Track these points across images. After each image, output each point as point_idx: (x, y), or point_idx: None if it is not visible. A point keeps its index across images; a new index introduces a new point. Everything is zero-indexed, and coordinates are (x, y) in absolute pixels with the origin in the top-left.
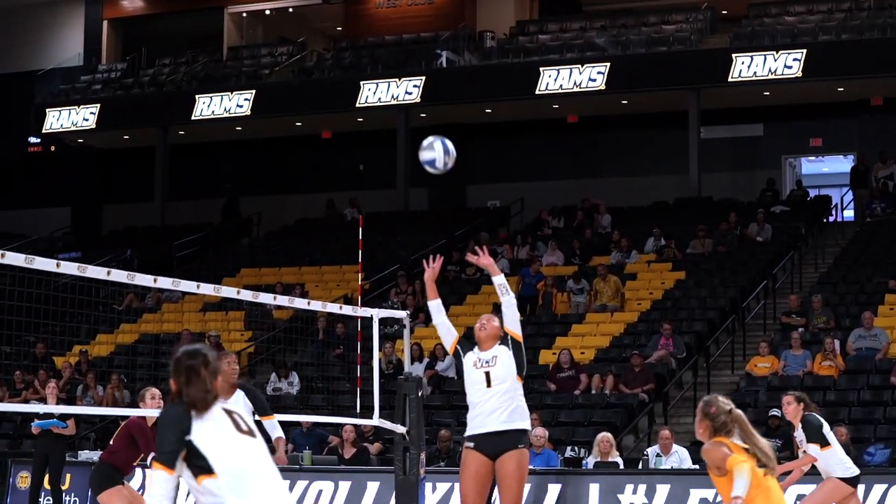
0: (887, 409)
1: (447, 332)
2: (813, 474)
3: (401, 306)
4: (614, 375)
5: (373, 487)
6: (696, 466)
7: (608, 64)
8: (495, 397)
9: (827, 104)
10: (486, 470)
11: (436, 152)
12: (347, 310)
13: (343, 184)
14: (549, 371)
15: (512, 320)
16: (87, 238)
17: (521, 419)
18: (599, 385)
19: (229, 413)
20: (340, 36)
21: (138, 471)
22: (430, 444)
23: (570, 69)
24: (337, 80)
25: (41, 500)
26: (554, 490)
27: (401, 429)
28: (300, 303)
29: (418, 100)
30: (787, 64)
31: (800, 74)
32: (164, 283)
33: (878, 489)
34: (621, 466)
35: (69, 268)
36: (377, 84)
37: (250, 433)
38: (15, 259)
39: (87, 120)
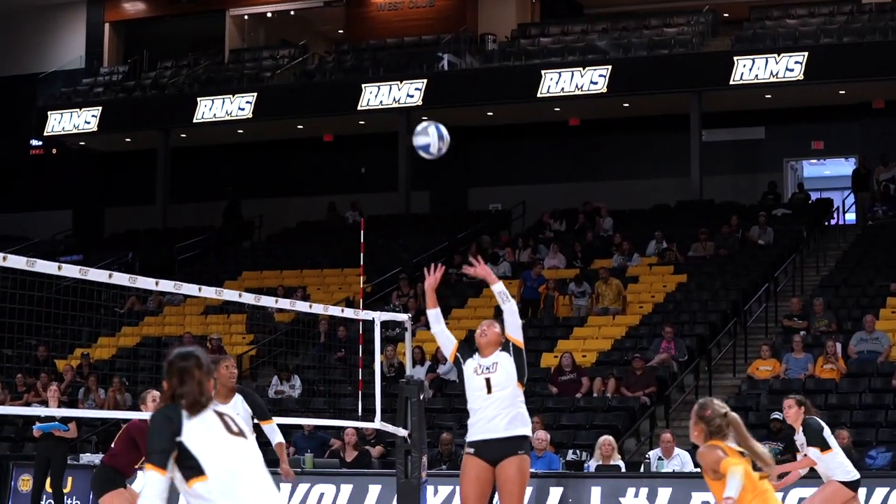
0: (889, 413)
1: (446, 341)
2: (815, 478)
3: (402, 309)
4: (616, 378)
5: (374, 491)
6: (698, 470)
7: (610, 67)
8: (496, 404)
9: (828, 107)
10: (486, 476)
11: (430, 137)
12: (349, 313)
13: (345, 187)
14: (550, 374)
15: (514, 327)
16: (88, 241)
17: (521, 426)
18: (601, 388)
19: (220, 415)
20: (342, 38)
21: (140, 473)
22: (432, 448)
23: (572, 72)
24: (338, 82)
25: (43, 503)
26: (556, 493)
27: (402, 432)
28: (302, 306)
29: (420, 103)
30: (788, 67)
31: (801, 77)
32: (166, 285)
33: (880, 492)
34: (623, 470)
35: (71, 271)
36: (379, 87)
37: (241, 434)
38: (17, 262)
39: (88, 123)
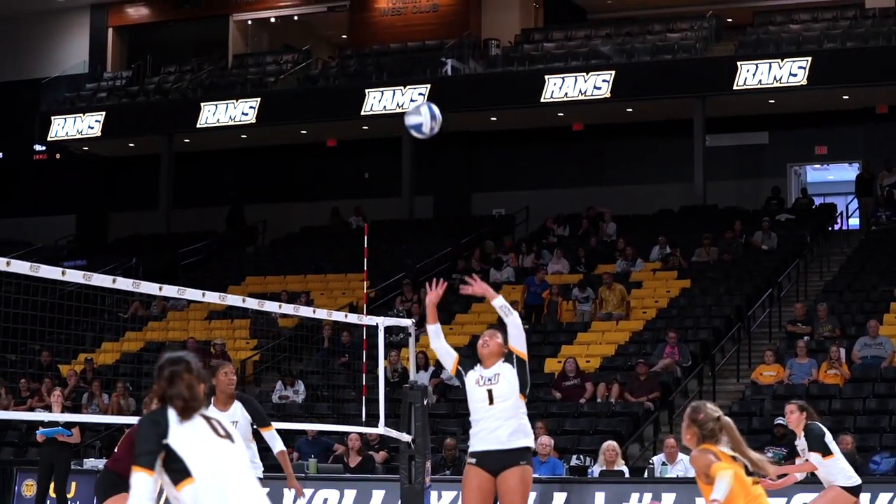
0: (893, 418)
1: (446, 355)
2: (816, 483)
3: (406, 314)
4: (620, 384)
5: (378, 496)
6: None
7: (613, 72)
8: (497, 415)
9: (832, 112)
10: (488, 486)
11: (422, 116)
12: (353, 318)
13: (348, 192)
14: (554, 379)
15: (517, 339)
16: (92, 246)
17: (524, 437)
18: (605, 393)
19: (207, 419)
20: (345, 44)
21: None
22: (436, 453)
23: (575, 77)
24: (342, 87)
25: None
26: (559, 498)
27: (406, 437)
28: (305, 311)
29: None
30: (792, 72)
31: (805, 82)
32: (170, 291)
33: (884, 497)
34: (627, 475)
35: (74, 276)
36: (382, 92)
37: (228, 437)
38: (20, 267)
39: (92, 128)
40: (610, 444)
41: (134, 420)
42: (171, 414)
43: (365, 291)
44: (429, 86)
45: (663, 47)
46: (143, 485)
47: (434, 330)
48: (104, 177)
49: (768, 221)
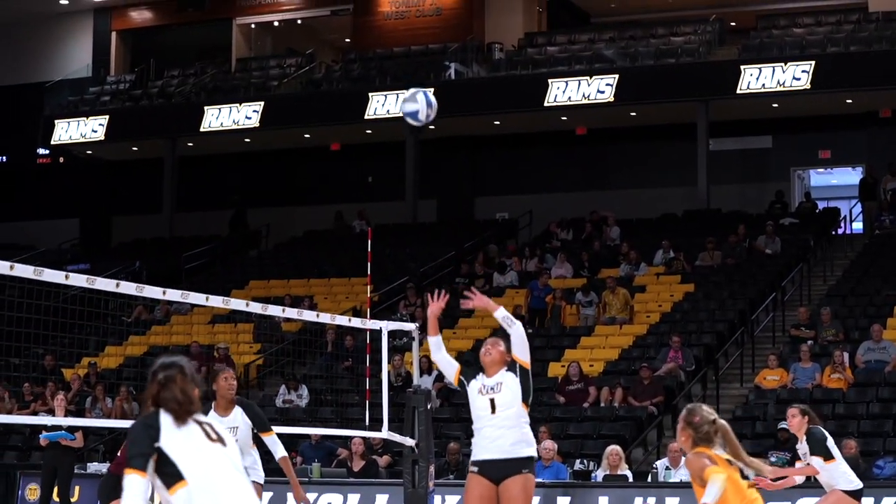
0: None
1: (448, 366)
2: (818, 487)
3: (410, 319)
4: (623, 388)
5: (382, 500)
6: None
7: (617, 76)
8: (500, 424)
9: (836, 116)
10: (490, 494)
11: (418, 104)
12: (356, 322)
13: (352, 196)
14: (557, 384)
15: (520, 349)
16: (95, 250)
17: (526, 447)
18: (608, 398)
19: (199, 423)
20: (349, 47)
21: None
22: (439, 457)
23: (579, 81)
24: (345, 91)
25: None
26: (563, 503)
27: (410, 441)
28: (309, 315)
29: None
30: (795, 76)
31: (808, 86)
32: (173, 295)
33: (888, 502)
34: (630, 479)
35: (78, 280)
36: (386, 96)
37: (220, 441)
38: (24, 271)
39: (95, 131)
40: (613, 449)
41: None
42: (164, 418)
43: (368, 295)
44: (432, 90)
45: (667, 51)
46: (136, 486)
47: (435, 342)
48: (108, 180)
49: (772, 225)
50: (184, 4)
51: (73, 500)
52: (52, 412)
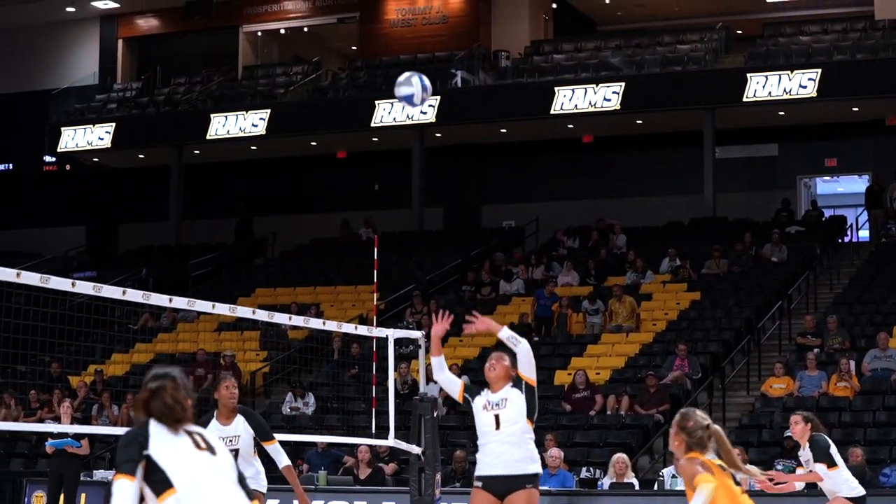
0: None
1: (451, 384)
2: (820, 495)
3: (416, 326)
4: (630, 396)
5: None
6: None
7: (623, 84)
8: (504, 440)
9: (842, 124)
10: None
11: (413, 87)
12: (363, 330)
13: (358, 203)
14: (564, 392)
15: (526, 366)
16: (102, 257)
17: (531, 464)
18: (615, 406)
19: (189, 432)
20: (355, 55)
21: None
22: (446, 465)
23: (585, 89)
24: (352, 99)
25: None
26: None
27: (416, 449)
28: (315, 323)
29: (433, 119)
30: (801, 84)
31: (815, 94)
32: (180, 302)
33: None
34: (637, 487)
35: (84, 287)
36: (392, 103)
37: (210, 450)
38: (30, 278)
39: (101, 139)
40: (620, 457)
41: None
42: (154, 426)
43: (375, 303)
44: (438, 97)
45: (673, 59)
46: (125, 490)
47: (438, 362)
48: (114, 188)
49: (778, 233)
50: (190, 12)
51: None
52: (58, 419)
